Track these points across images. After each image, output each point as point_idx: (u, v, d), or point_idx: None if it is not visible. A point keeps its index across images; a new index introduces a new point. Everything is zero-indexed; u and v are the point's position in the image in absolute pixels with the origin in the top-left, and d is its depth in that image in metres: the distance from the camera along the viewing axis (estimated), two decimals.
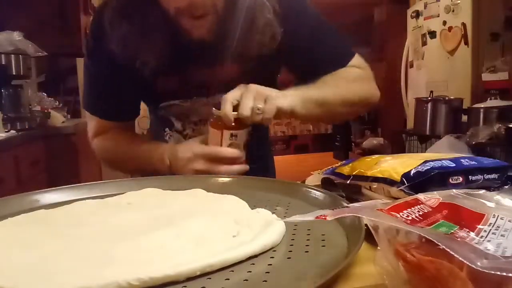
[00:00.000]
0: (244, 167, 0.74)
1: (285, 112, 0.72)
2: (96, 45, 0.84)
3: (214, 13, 0.73)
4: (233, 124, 0.72)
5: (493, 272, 0.24)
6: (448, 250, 0.26)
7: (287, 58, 0.87)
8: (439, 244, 0.27)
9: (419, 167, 0.55)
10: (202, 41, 0.76)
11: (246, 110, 0.69)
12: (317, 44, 0.85)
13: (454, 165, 0.56)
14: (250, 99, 0.69)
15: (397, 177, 0.55)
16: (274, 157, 1.14)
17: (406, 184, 0.53)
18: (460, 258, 0.25)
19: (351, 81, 0.85)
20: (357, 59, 0.89)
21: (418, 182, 0.53)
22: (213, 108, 0.74)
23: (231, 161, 0.73)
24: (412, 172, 0.55)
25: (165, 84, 0.85)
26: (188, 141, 0.83)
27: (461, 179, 0.54)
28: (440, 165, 0.55)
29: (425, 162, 0.56)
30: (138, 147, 0.86)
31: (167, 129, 0.93)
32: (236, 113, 0.70)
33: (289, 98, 0.73)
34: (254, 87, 0.71)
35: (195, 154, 0.74)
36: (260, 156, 0.99)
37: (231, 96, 0.70)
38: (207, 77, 0.84)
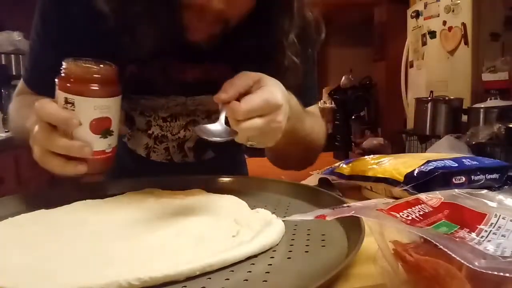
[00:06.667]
0: (79, 168, 0.50)
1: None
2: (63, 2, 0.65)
3: (223, 25, 0.60)
4: (71, 80, 0.46)
5: (490, 272, 0.24)
6: (446, 250, 0.26)
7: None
8: (437, 244, 0.27)
9: (423, 167, 0.55)
10: (197, 44, 0.63)
11: None
12: (306, 75, 0.73)
13: (456, 165, 0.56)
14: None
15: (399, 177, 0.55)
16: None
17: (410, 184, 0.53)
18: (458, 258, 0.25)
19: (320, 126, 0.78)
20: (316, 106, 0.83)
21: (422, 182, 0.53)
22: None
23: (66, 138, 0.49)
24: (415, 172, 0.55)
25: (141, 73, 0.68)
26: None
27: (464, 179, 0.55)
28: (443, 165, 0.55)
29: (428, 162, 0.56)
30: None
31: None
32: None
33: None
34: None
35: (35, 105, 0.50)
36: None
37: None
38: (192, 74, 0.71)
